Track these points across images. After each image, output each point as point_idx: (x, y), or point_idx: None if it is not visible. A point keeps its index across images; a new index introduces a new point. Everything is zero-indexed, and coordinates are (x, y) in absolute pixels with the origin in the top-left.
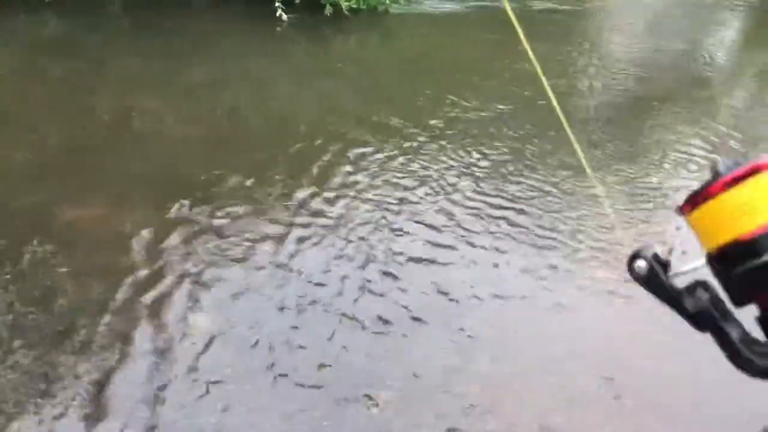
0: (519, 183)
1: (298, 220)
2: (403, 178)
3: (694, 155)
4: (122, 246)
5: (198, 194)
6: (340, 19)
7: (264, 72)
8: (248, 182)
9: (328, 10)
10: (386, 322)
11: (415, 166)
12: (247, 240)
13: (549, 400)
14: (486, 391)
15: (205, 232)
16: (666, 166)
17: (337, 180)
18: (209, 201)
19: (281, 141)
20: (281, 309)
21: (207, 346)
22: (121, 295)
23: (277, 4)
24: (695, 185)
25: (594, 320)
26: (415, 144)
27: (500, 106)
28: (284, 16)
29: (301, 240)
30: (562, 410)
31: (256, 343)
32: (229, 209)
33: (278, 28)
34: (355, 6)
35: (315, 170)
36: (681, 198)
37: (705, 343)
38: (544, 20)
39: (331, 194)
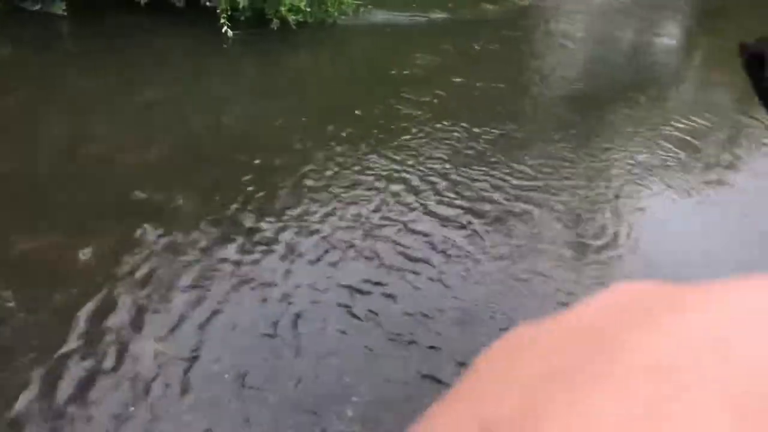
0: (477, 189)
1: (257, 239)
2: (366, 190)
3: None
4: (77, 275)
5: (154, 218)
6: (288, 34)
7: (216, 90)
8: (206, 204)
9: (275, 24)
10: (350, 334)
11: (376, 176)
12: (205, 262)
13: None
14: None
15: (162, 256)
16: (615, 158)
17: (297, 196)
18: (166, 225)
19: (238, 160)
20: (244, 331)
21: (168, 371)
22: (76, 325)
23: (222, 21)
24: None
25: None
26: (373, 155)
27: (452, 113)
28: (230, 33)
29: (259, 260)
30: None
31: (218, 366)
32: (186, 233)
33: (225, 45)
34: (302, 19)
35: (273, 188)
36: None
37: None
38: (487, 27)
39: (292, 212)
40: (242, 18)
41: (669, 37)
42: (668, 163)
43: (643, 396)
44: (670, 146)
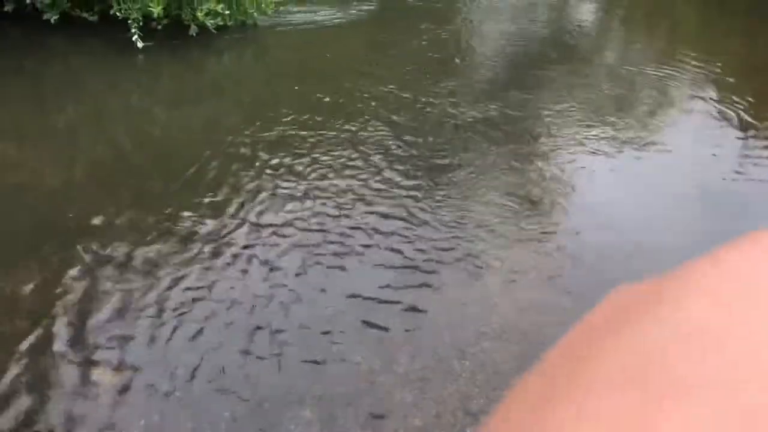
0: (418, 177)
1: (192, 248)
2: (303, 188)
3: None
4: (6, 309)
5: (86, 238)
6: (207, 39)
7: (137, 103)
8: (139, 219)
9: (194, 30)
10: (295, 335)
11: (313, 173)
12: (142, 279)
13: (469, 385)
14: (407, 387)
15: (97, 279)
16: (545, 130)
17: (232, 203)
18: (99, 243)
19: (168, 171)
20: (188, 344)
21: (114, 399)
22: (11, 363)
23: (133, 31)
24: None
25: (501, 296)
26: (305, 152)
27: (382, 101)
28: (140, 44)
29: (201, 270)
30: (483, 393)
31: (167, 386)
32: (120, 251)
33: (140, 56)
34: (221, 23)
35: (207, 196)
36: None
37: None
38: (408, 18)
39: (229, 220)
40: (159, 27)
41: (586, 12)
42: (598, 120)
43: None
44: (600, 105)
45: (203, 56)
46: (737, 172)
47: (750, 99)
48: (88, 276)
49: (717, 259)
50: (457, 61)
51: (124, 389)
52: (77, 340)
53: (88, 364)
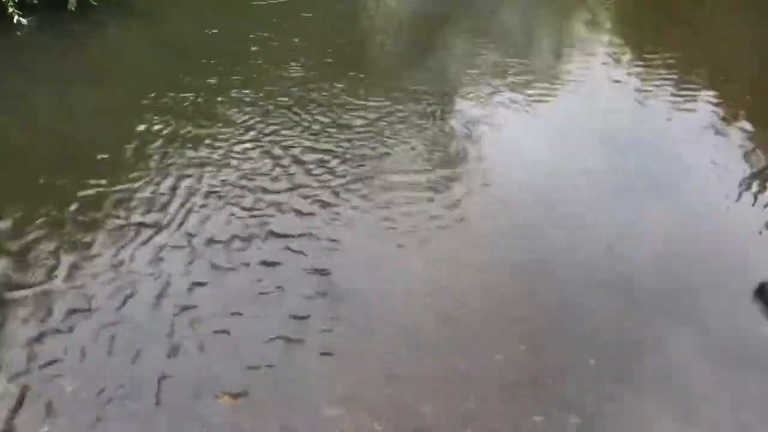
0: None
1: (89, 233)
2: (202, 159)
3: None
4: None
5: None
6: (87, 12)
7: (19, 87)
8: (30, 208)
9: (72, 4)
10: (207, 321)
11: (212, 145)
12: (46, 276)
13: (393, 351)
14: (331, 358)
15: None
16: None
17: (132, 185)
18: None
19: (62, 157)
20: (93, 338)
21: (15, 407)
22: None
23: (11, 9)
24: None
25: (414, 253)
26: (201, 121)
27: (283, 65)
28: (23, 21)
29: (97, 255)
30: (409, 356)
31: (72, 384)
32: (12, 239)
33: (19, 33)
34: None
35: (103, 179)
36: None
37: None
38: None
39: (135, 204)
40: (35, 1)
41: None
42: (505, 78)
43: None
44: (506, 66)
45: (85, 32)
46: (637, 119)
47: (645, 41)
48: None
49: None
50: (360, 30)
51: (24, 393)
52: None
53: None
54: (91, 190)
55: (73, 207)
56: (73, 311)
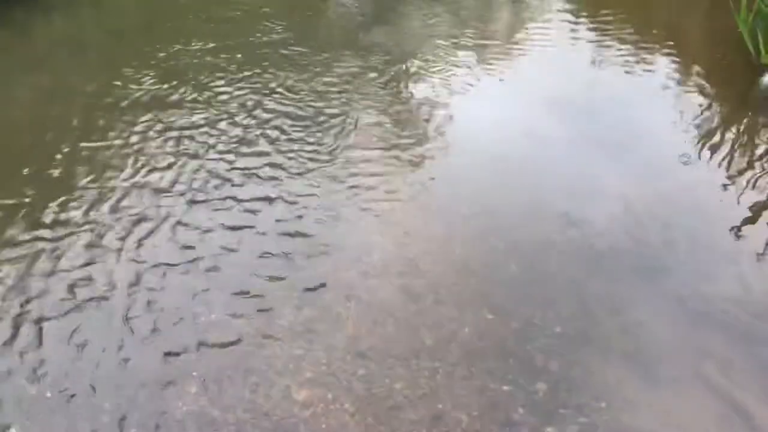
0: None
1: (57, 230)
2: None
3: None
4: None
5: None
6: None
7: None
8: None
9: None
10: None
11: (176, 131)
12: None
13: (358, 326)
14: (294, 341)
15: None
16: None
17: (85, 173)
18: None
19: (9, 153)
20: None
21: None
22: None
23: None
24: None
25: (380, 233)
26: (171, 105)
27: (239, 40)
28: None
29: (66, 251)
30: (374, 332)
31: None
32: None
33: None
34: None
35: (55, 173)
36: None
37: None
38: None
39: (80, 196)
40: None
41: None
42: (463, 43)
43: None
44: (463, 30)
45: (30, 18)
46: (592, 81)
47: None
48: None
49: None
50: (318, 12)
51: None
52: None
53: None
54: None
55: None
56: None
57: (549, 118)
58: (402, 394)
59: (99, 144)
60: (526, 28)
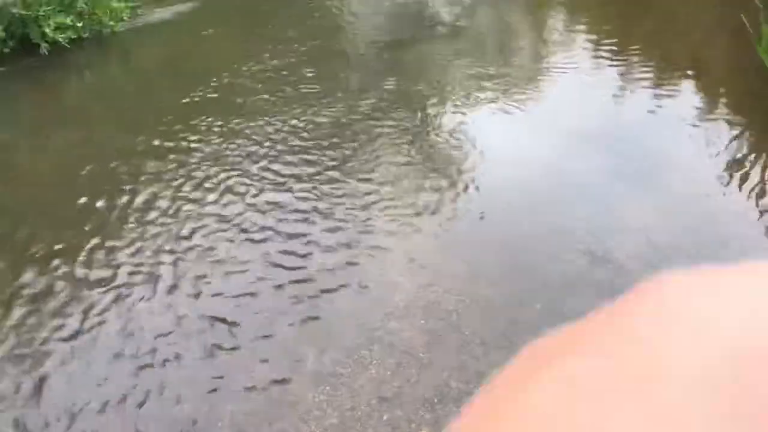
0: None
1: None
2: (197, 201)
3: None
4: None
5: None
6: (62, 55)
7: None
8: (20, 261)
9: (45, 48)
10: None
11: (208, 179)
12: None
13: (380, 370)
14: (319, 385)
15: None
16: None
17: (122, 226)
18: None
19: (50, 205)
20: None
21: None
22: None
23: None
24: None
25: (403, 275)
26: (195, 155)
27: (270, 89)
28: None
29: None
30: (395, 376)
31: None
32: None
33: None
34: (74, 36)
35: (97, 225)
36: None
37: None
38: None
39: (120, 245)
40: (6, 50)
41: None
42: (480, 82)
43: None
44: (482, 68)
45: (61, 75)
46: (616, 113)
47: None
48: None
49: (611, 314)
50: (338, 46)
51: None
52: None
53: None
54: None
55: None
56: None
57: (573, 151)
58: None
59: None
60: (547, 62)
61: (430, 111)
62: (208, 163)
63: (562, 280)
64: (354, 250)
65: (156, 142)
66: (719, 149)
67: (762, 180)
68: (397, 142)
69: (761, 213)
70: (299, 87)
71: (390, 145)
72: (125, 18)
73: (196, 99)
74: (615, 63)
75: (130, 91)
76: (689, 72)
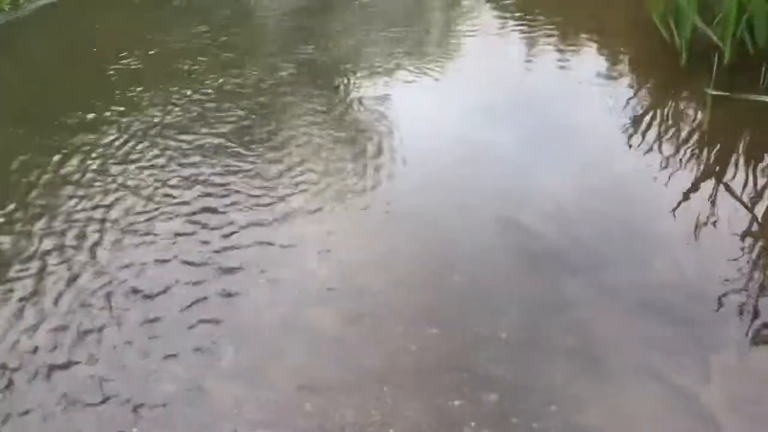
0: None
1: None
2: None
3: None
4: None
5: None
6: None
7: None
8: None
9: None
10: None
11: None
12: None
13: (299, 359)
14: (235, 382)
15: None
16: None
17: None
18: None
19: None
20: None
21: None
22: None
23: None
24: None
25: (319, 261)
26: (96, 133)
27: (171, 62)
28: None
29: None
30: (317, 364)
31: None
32: None
33: None
34: None
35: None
36: None
37: None
38: None
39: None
40: None
41: None
42: (390, 52)
43: None
44: (395, 38)
45: None
46: (523, 80)
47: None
48: None
49: None
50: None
51: None
52: None
53: None
54: None
55: None
56: None
57: (481, 122)
58: (350, 427)
59: None
60: (458, 33)
61: (339, 80)
62: (113, 136)
63: (479, 248)
64: (265, 228)
65: (53, 135)
66: (621, 108)
67: (659, 136)
68: (304, 115)
69: (663, 169)
70: (203, 58)
71: (295, 117)
72: (5, 8)
73: (99, 79)
74: (519, 27)
75: (16, 84)
76: (590, 34)
